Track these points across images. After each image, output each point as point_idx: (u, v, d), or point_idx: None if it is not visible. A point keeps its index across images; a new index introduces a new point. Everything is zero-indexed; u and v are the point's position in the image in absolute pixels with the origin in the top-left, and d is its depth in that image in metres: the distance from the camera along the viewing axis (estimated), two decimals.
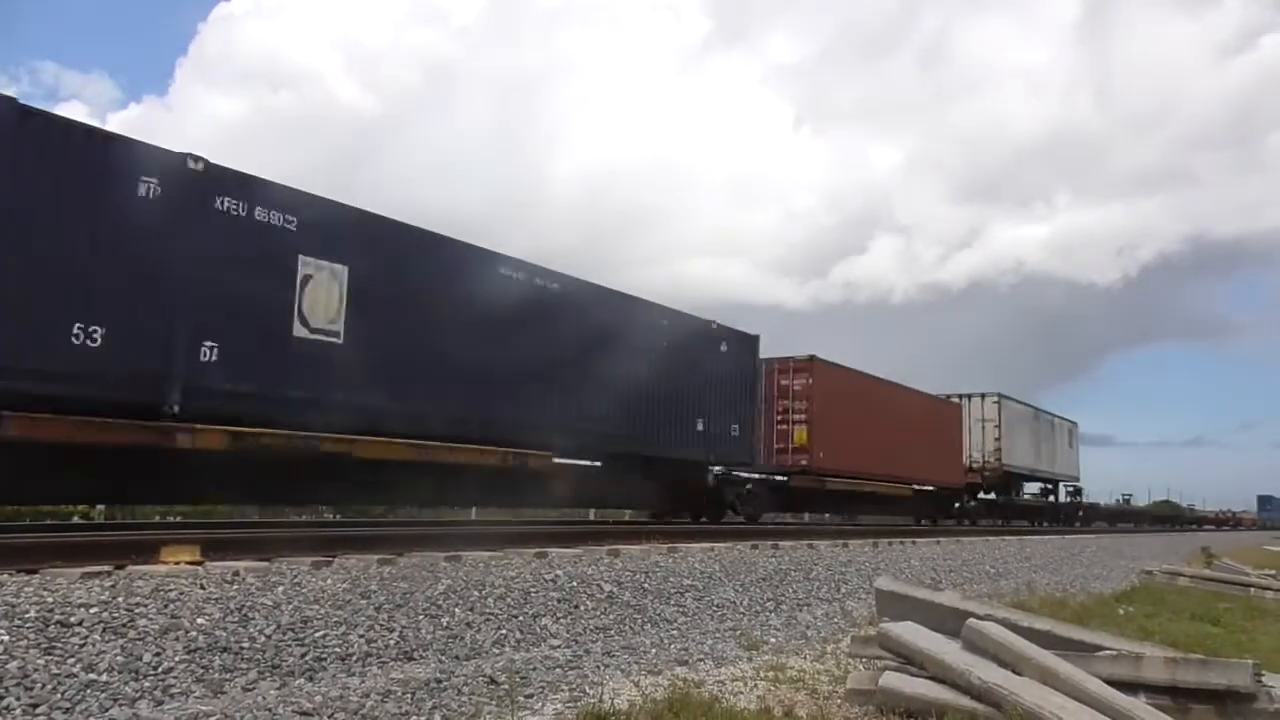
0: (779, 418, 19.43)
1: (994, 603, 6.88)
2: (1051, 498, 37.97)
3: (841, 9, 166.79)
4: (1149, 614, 9.11)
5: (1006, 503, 32.12)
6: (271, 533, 8.99)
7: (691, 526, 17.13)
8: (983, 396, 30.14)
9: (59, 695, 3.98)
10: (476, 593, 6.40)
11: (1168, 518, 57.99)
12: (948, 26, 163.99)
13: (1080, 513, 40.14)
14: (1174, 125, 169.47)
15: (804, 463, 19.20)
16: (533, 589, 6.78)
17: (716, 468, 17.19)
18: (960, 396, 29.62)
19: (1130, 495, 56.31)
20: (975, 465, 29.30)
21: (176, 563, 6.16)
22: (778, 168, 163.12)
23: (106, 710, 4.00)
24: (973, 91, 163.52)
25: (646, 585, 7.69)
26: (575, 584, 7.16)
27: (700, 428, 15.94)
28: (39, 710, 3.87)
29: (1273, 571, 14.26)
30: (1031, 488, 36.50)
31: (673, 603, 7.55)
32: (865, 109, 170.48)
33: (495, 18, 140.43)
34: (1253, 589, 12.05)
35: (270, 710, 4.11)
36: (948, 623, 4.78)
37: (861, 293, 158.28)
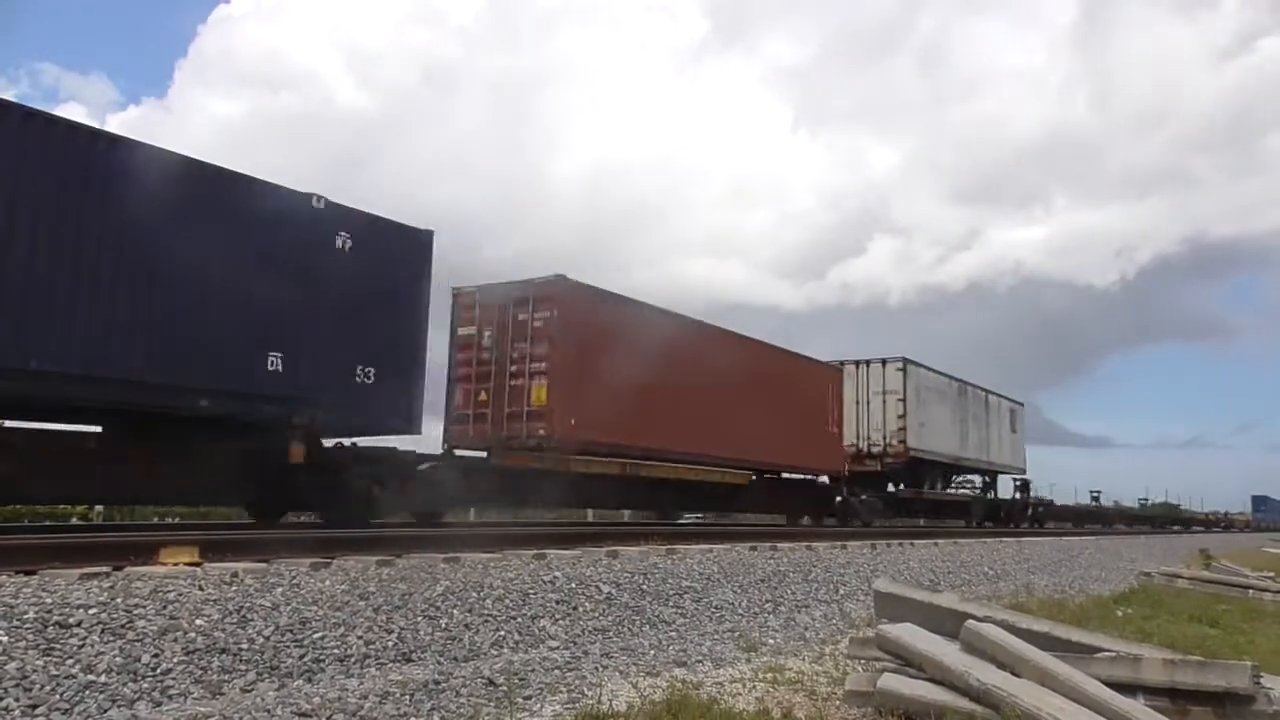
0: (512, 369, 13.60)
1: (992, 604, 6.90)
2: (991, 493, 31.51)
3: (839, 10, 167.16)
4: (1147, 616, 9.12)
5: (916, 497, 25.11)
6: (270, 533, 8.99)
7: (693, 528, 16.94)
8: (883, 362, 23.80)
9: (58, 696, 3.99)
10: (475, 594, 6.40)
11: (1147, 518, 52.05)
12: (946, 28, 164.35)
13: (1030, 511, 33.65)
14: (1172, 127, 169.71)
15: (542, 432, 13.34)
16: (531, 590, 6.78)
17: (337, 441, 11.68)
18: (854, 363, 23.87)
19: (1099, 492, 47.72)
20: (874, 449, 23.38)
21: (175, 564, 6.16)
22: (775, 169, 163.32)
23: (105, 711, 4.00)
24: (971, 93, 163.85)
25: (645, 587, 7.69)
26: (574, 585, 7.16)
27: (275, 367, 10.13)
28: (38, 711, 3.87)
29: (1271, 573, 14.27)
30: (971, 480, 30.68)
31: (671, 604, 7.55)
32: (863, 110, 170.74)
33: (493, 18, 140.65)
34: (1251, 591, 12.06)
35: (269, 711, 4.11)
36: (946, 624, 4.79)
37: (859, 294, 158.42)
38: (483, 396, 13.84)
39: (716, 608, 7.84)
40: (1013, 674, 4.16)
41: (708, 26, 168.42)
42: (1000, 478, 32.22)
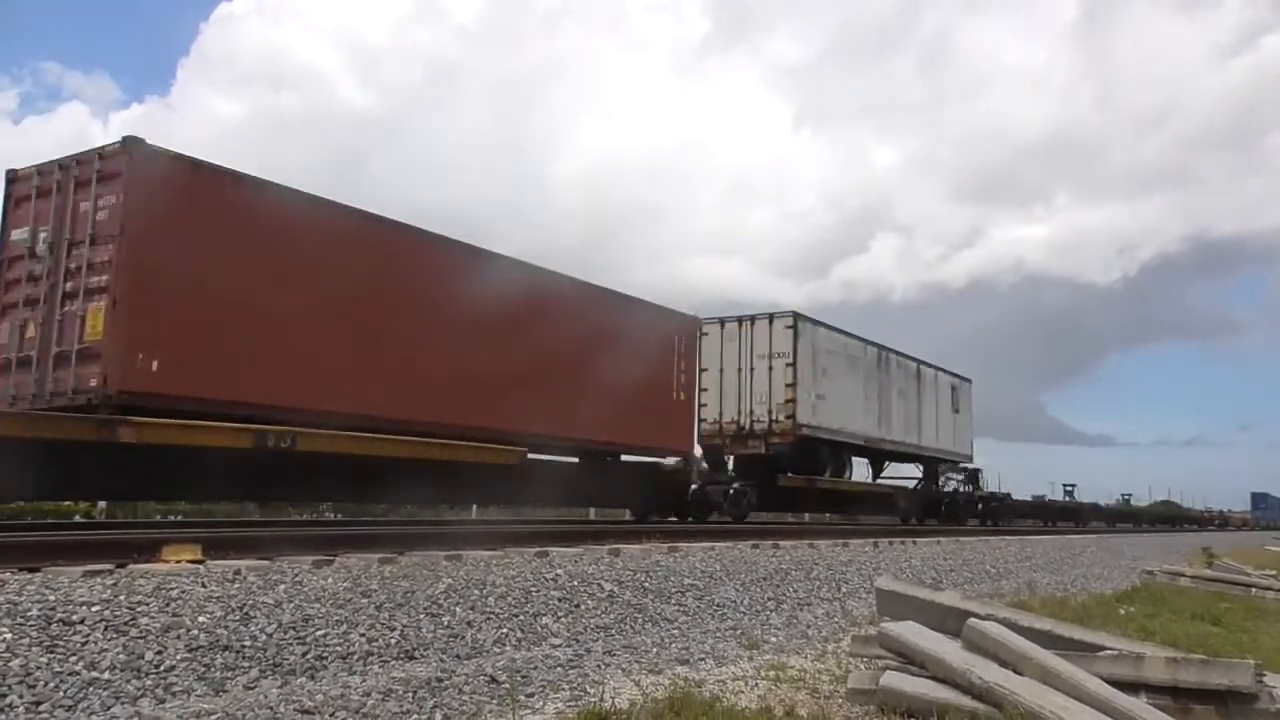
0: (68, 286, 9.37)
1: (995, 603, 6.89)
2: (934, 485, 26.87)
3: (841, 9, 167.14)
4: (1150, 614, 9.11)
5: (807, 487, 19.96)
6: (273, 531, 9.00)
7: (694, 526, 16.79)
8: (770, 318, 19.35)
9: (61, 693, 3.99)
10: (477, 591, 6.40)
11: (1131, 515, 48.48)
12: (947, 27, 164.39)
13: (979, 506, 28.84)
14: (1174, 125, 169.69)
15: (94, 382, 8.96)
16: (534, 588, 6.79)
17: None
18: (736, 319, 19.68)
19: (1074, 486, 43.23)
20: (758, 426, 19.03)
21: (178, 561, 6.17)
22: (777, 168, 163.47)
23: (109, 708, 4.01)
24: (972, 92, 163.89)
25: (647, 584, 7.70)
26: (576, 583, 7.17)
27: None
28: (41, 708, 3.88)
29: (1273, 571, 14.27)
30: (905, 468, 25.84)
31: (673, 602, 7.55)
32: (865, 109, 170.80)
33: (495, 17, 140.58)
34: (1254, 589, 12.04)
35: (272, 709, 4.12)
36: (948, 622, 4.79)
37: (861, 291, 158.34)
38: (31, 331, 9.51)
39: (719, 605, 7.84)
40: (1015, 672, 4.16)
41: (709, 26, 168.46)
42: (941, 466, 27.60)
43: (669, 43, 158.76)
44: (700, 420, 18.39)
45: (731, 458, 19.69)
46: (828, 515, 25.22)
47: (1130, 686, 4.16)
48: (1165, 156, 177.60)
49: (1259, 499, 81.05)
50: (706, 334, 19.02)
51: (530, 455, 13.21)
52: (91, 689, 4.08)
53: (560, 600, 6.74)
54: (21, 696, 3.90)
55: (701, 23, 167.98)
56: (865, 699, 4.61)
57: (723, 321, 19.70)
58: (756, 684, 5.20)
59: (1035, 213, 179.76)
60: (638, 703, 4.47)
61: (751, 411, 19.21)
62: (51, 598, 4.74)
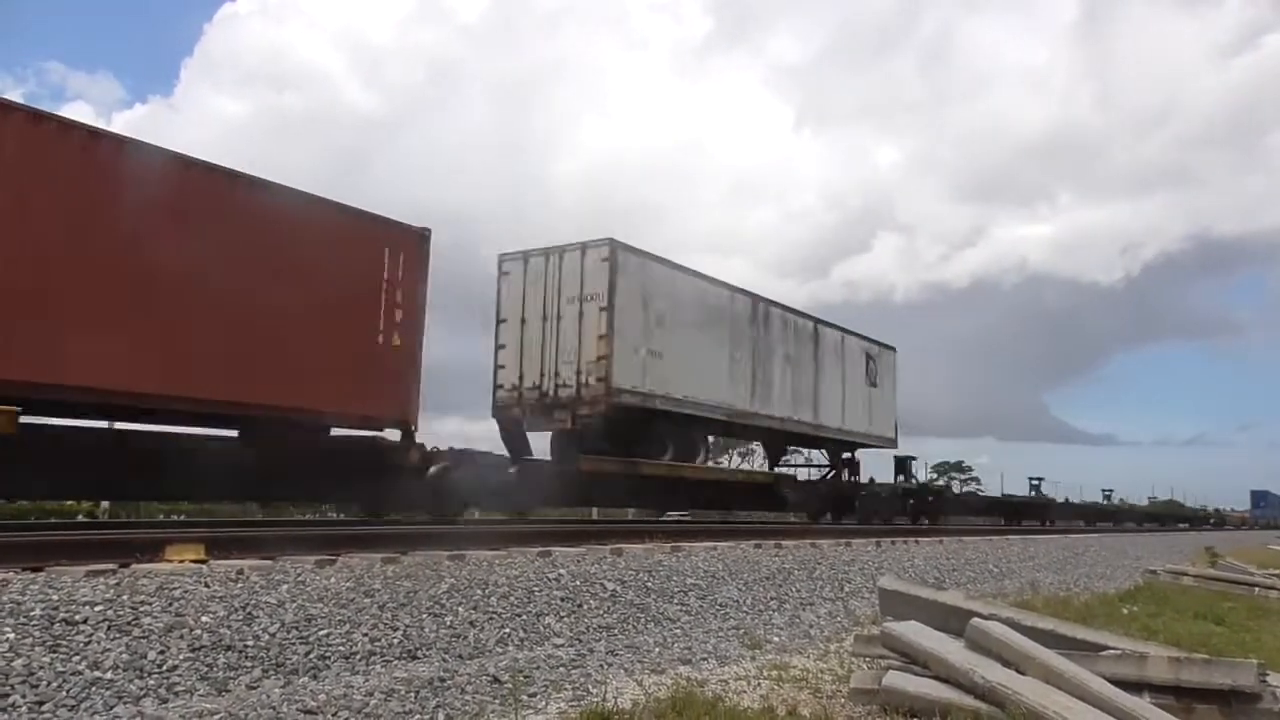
0: None
1: (998, 602, 6.88)
2: (842, 475, 21.81)
3: (842, 9, 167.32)
4: (1153, 613, 9.09)
5: (626, 473, 14.78)
6: (276, 531, 9.01)
7: (695, 525, 16.64)
8: (583, 250, 14.60)
9: (64, 693, 4.00)
10: (480, 591, 6.40)
11: (1110, 514, 45.03)
12: (948, 27, 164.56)
13: (911, 501, 24.09)
14: (1175, 124, 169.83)
15: None
16: (536, 588, 6.79)
17: None
18: (542, 252, 15.02)
19: (1040, 480, 39.65)
20: (564, 391, 14.34)
21: (181, 561, 6.18)
22: (778, 168, 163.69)
23: (111, 708, 4.01)
24: (973, 91, 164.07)
25: (650, 584, 7.69)
26: (579, 583, 7.17)
27: None
28: (44, 708, 3.89)
29: (1277, 571, 14.23)
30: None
31: (676, 602, 7.55)
32: (866, 109, 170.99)
33: (497, 17, 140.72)
34: (1257, 589, 12.02)
35: (274, 709, 4.12)
36: (951, 622, 4.79)
37: (862, 291, 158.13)
38: None
39: (721, 605, 7.84)
40: (1018, 672, 4.16)
41: (710, 25, 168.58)
42: (856, 450, 22.38)
43: (669, 42, 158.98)
44: (496, 386, 15.17)
45: (549, 435, 15.25)
46: (686, 513, 19.75)
47: (1133, 686, 4.16)
48: (1166, 156, 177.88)
49: (1259, 497, 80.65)
50: (507, 273, 15.41)
51: (39, 420, 8.70)
52: (94, 689, 4.08)
53: (563, 600, 6.74)
54: (24, 696, 3.91)
55: (702, 22, 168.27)
56: (868, 699, 4.60)
57: (526, 256, 15.17)
58: (759, 684, 5.20)
59: (1037, 212, 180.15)
60: (640, 703, 4.47)
61: (557, 373, 14.54)
62: (54, 597, 4.74)
